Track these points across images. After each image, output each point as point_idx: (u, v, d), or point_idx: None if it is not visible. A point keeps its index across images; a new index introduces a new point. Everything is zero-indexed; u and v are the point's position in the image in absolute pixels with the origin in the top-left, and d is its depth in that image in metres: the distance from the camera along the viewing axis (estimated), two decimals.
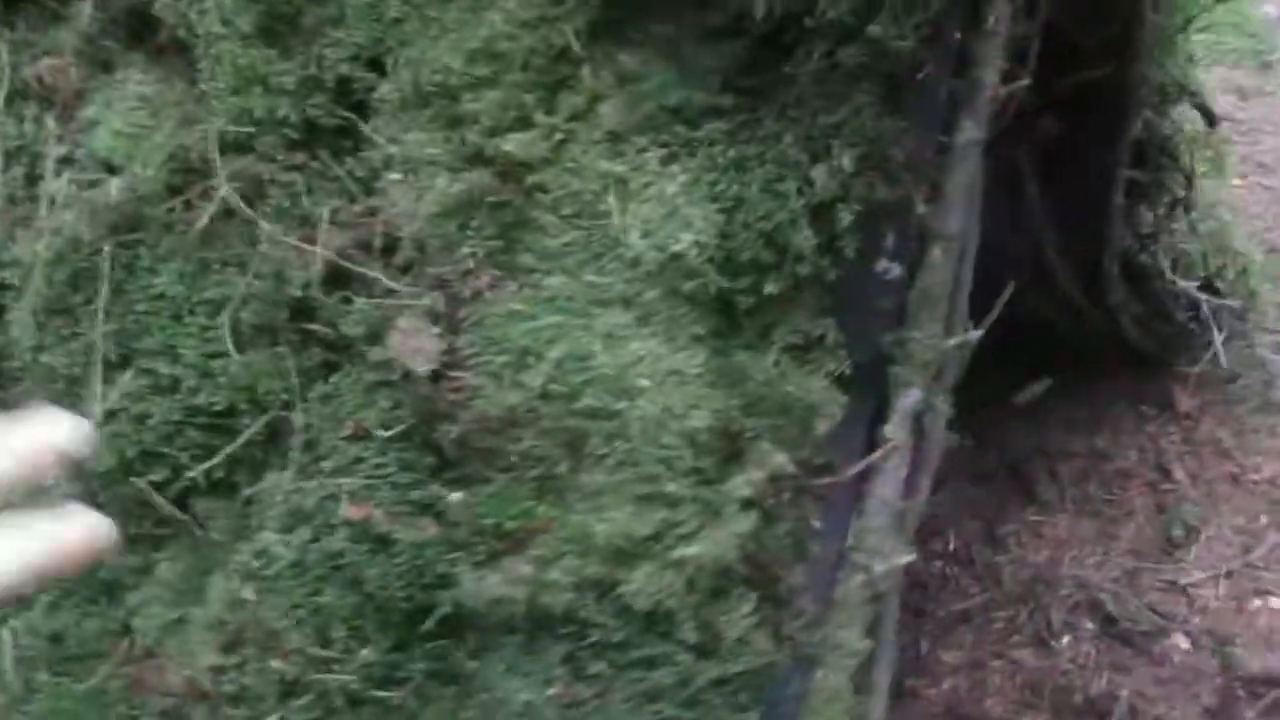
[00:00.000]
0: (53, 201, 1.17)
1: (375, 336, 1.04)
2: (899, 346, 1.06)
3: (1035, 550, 1.82)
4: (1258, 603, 1.86)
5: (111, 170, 1.18)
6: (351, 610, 1.01)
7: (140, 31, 1.22)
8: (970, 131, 1.06)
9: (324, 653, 0.98)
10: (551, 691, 0.97)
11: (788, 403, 1.02)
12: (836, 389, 1.03)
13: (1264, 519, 2.12)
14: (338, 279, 1.07)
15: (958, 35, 1.03)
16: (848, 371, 1.04)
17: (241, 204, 1.10)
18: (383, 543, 0.99)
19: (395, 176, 1.08)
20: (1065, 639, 1.75)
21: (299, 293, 1.07)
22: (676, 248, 1.00)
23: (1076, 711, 1.70)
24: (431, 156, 1.07)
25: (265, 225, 1.09)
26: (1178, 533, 2.03)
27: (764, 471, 1.00)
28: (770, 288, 1.02)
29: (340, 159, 1.11)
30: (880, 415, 1.06)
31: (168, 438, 1.08)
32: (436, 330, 1.03)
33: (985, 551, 1.79)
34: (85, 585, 1.08)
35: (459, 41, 1.08)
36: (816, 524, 1.02)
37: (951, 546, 1.85)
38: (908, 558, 1.03)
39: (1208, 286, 2.29)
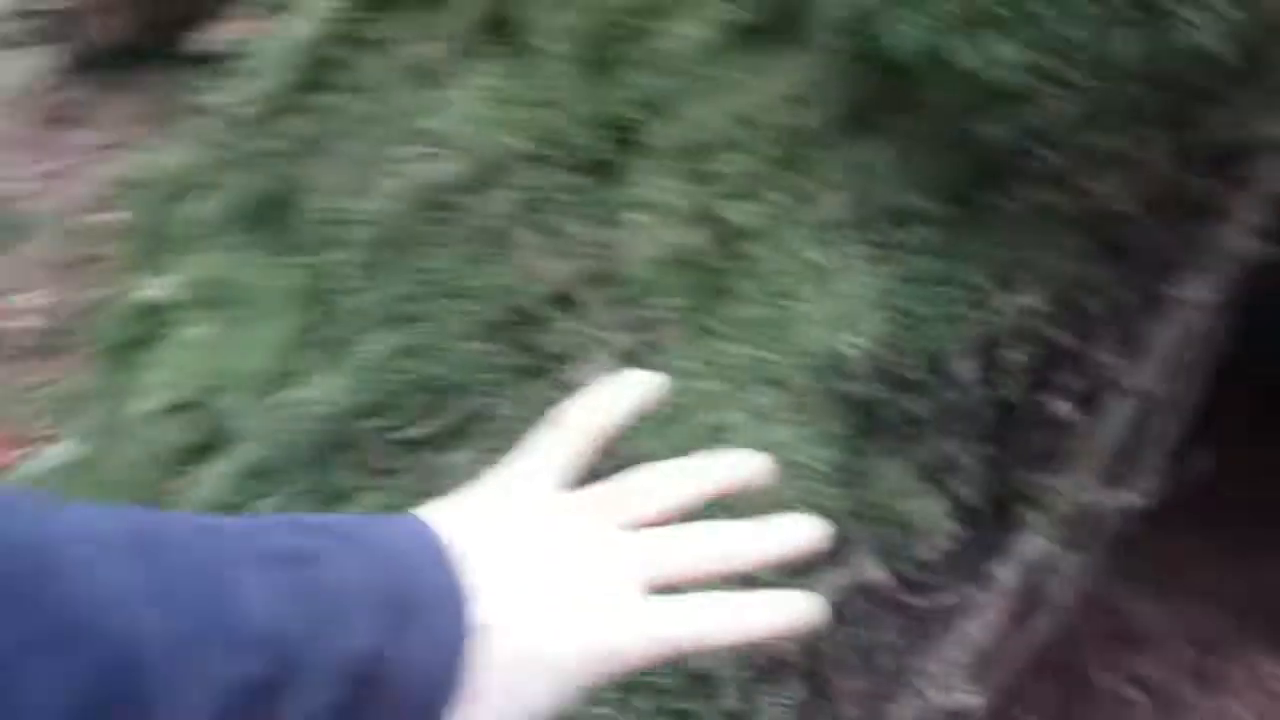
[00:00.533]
0: (395, 168, 1.34)
1: (569, 359, 1.12)
2: (1038, 491, 1.00)
3: (1243, 706, 1.54)
4: None
5: (448, 149, 1.33)
6: None
7: (502, 29, 1.35)
8: (1198, 292, 0.96)
9: None
10: (600, 710, 1.03)
11: (903, 518, 1.00)
12: (958, 516, 1.00)
13: None
14: (560, 298, 1.15)
15: (1209, 186, 0.94)
16: (977, 502, 1.00)
17: (515, 211, 1.21)
18: None
19: (635, 217, 1.15)
20: None
21: (529, 302, 1.16)
22: (844, 349, 1.00)
23: None
24: (670, 205, 1.12)
25: (524, 234, 1.19)
26: None
27: (852, 578, 0.99)
28: (920, 407, 0.99)
29: (605, 189, 1.19)
30: (1001, 553, 1.01)
31: (406, 394, 1.22)
32: (618, 368, 1.10)
33: (1185, 687, 1.54)
34: (316, 493, 1.26)
35: (726, 103, 1.12)
36: (894, 640, 1.00)
37: (1150, 669, 1.61)
38: (975, 702, 0.98)
39: None
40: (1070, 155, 0.92)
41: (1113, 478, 0.99)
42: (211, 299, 1.49)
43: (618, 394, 0.65)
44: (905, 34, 0.92)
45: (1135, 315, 0.97)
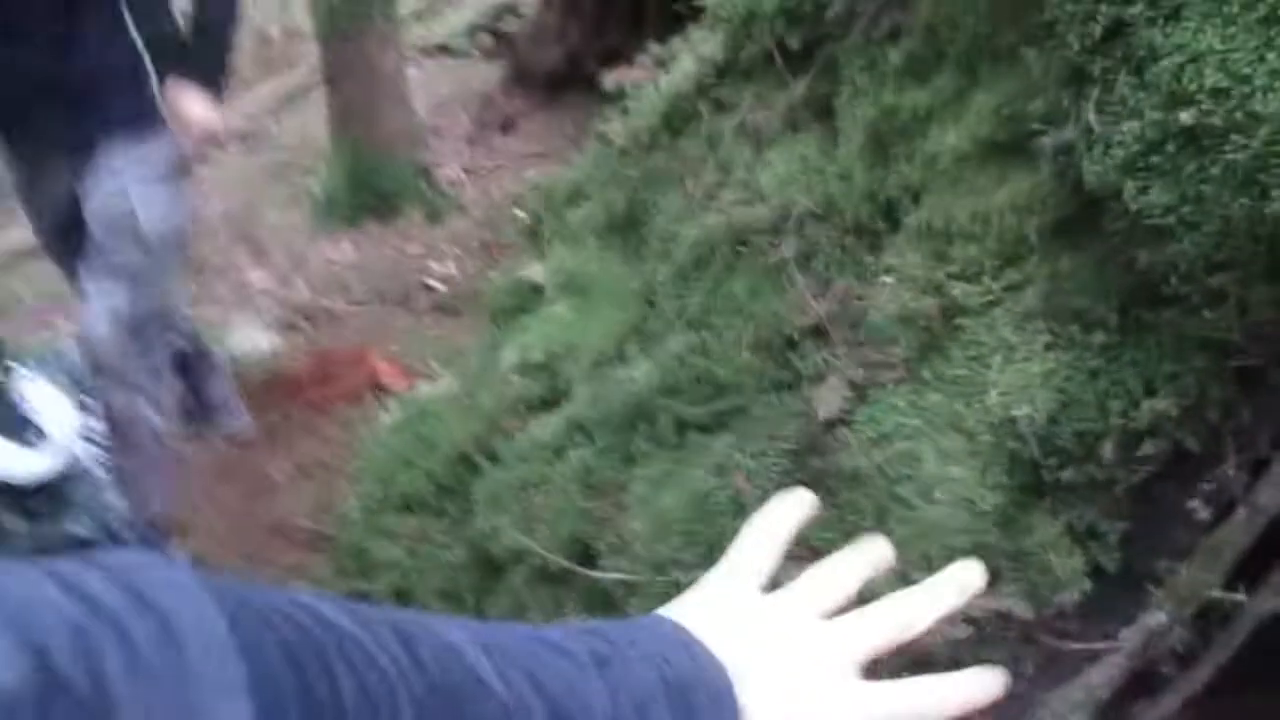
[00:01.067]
0: (716, 206, 1.59)
1: (814, 379, 1.34)
2: (1168, 573, 1.12)
3: None
4: None
5: (761, 200, 1.56)
6: (706, 539, 1.35)
7: (818, 110, 1.57)
8: None
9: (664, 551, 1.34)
10: None
11: (1047, 566, 1.15)
12: (1094, 576, 1.13)
13: None
14: (816, 330, 1.37)
15: None
16: (1113, 569, 1.14)
17: (796, 256, 1.43)
18: (741, 509, 1.32)
19: (885, 280, 1.34)
20: None
21: (792, 329, 1.39)
22: (1015, 414, 1.16)
23: None
24: (913, 276, 1.31)
25: (799, 275, 1.41)
26: None
27: (997, 605, 1.15)
28: (1069, 475, 1.14)
29: (865, 252, 1.39)
30: (1129, 621, 1.13)
31: (691, 384, 1.48)
32: (847, 394, 1.30)
33: None
34: (619, 451, 1.54)
35: (970, 202, 1.29)
36: (1028, 671, 1.15)
37: None
38: None
39: None
40: (1196, 288, 1.04)
41: (1237, 581, 1.07)
42: (572, 286, 1.80)
43: (790, 509, 0.78)
44: (1092, 168, 1.08)
45: (1257, 435, 1.08)
